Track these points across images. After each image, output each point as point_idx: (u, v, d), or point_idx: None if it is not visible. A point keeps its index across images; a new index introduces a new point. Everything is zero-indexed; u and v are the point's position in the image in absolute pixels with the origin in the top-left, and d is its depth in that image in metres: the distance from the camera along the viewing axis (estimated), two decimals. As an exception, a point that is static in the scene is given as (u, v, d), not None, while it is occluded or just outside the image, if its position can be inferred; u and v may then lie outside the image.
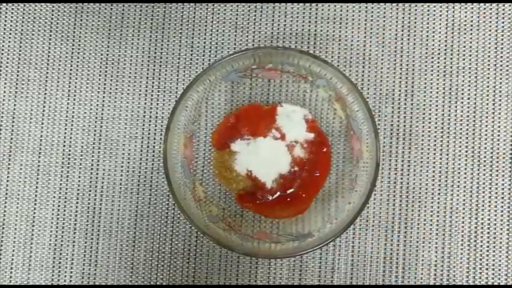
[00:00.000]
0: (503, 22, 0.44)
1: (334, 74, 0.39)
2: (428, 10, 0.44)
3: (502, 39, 0.43)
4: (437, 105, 0.43)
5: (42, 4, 0.45)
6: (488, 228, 0.43)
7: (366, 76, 0.44)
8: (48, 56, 0.45)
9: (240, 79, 0.43)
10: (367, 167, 0.39)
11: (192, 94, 0.40)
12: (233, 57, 0.38)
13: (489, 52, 0.43)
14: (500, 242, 0.42)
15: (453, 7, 0.44)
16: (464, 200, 0.43)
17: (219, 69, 0.39)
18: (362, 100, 0.38)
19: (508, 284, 0.42)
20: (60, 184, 0.44)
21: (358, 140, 0.41)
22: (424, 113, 0.43)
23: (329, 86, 0.41)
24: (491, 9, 0.44)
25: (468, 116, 0.43)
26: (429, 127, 0.43)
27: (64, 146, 0.44)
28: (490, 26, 0.44)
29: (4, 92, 0.45)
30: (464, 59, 0.43)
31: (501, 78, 0.43)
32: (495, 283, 0.42)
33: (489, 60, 0.43)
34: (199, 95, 0.41)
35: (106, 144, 0.44)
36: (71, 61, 0.45)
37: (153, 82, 0.44)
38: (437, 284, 0.42)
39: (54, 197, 0.44)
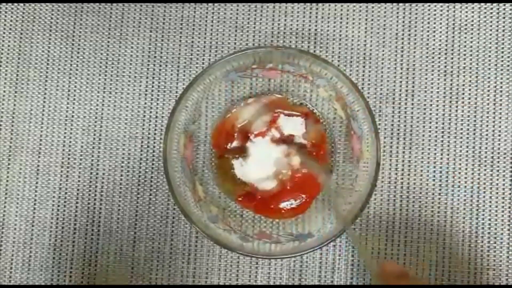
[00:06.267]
0: (503, 22, 0.43)
1: (334, 74, 0.39)
2: (429, 10, 0.44)
3: (503, 39, 0.43)
4: (437, 105, 0.43)
5: (42, 4, 0.45)
6: (489, 228, 0.42)
7: (366, 75, 0.44)
8: (48, 55, 0.45)
9: (240, 79, 0.43)
10: (367, 167, 0.39)
11: (192, 94, 0.40)
12: (233, 57, 0.38)
13: (490, 52, 0.43)
14: (501, 242, 0.42)
15: (454, 7, 0.44)
16: (464, 200, 0.42)
17: (219, 69, 0.39)
18: (362, 99, 0.38)
19: (508, 284, 0.42)
20: (60, 184, 0.44)
21: (359, 140, 0.40)
22: (424, 113, 0.43)
23: (329, 85, 0.41)
24: (491, 9, 0.44)
25: (468, 116, 0.43)
26: (430, 127, 0.43)
27: (64, 146, 0.44)
28: (491, 26, 0.43)
29: (4, 92, 0.45)
30: (464, 59, 0.43)
31: (501, 78, 0.43)
32: (496, 283, 0.42)
33: (489, 60, 0.43)
34: (199, 95, 0.41)
35: (106, 144, 0.44)
36: (71, 61, 0.45)
37: (153, 82, 0.44)
38: (437, 284, 0.42)
39: (53, 197, 0.44)
